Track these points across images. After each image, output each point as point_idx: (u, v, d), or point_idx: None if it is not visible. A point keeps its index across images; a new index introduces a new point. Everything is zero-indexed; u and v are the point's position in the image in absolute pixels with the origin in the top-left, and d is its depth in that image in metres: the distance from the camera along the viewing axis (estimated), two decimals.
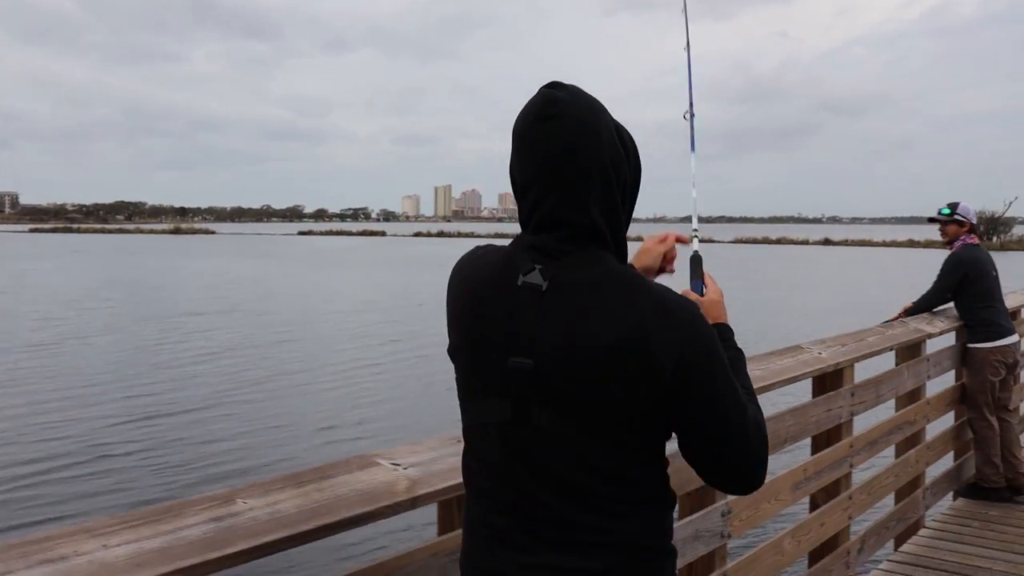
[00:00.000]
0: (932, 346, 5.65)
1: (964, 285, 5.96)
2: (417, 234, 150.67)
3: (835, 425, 4.25)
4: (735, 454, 1.60)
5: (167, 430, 12.57)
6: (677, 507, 2.13)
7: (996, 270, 6.09)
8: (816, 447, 4.24)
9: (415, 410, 13.99)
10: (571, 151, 1.58)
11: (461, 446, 2.26)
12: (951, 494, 6.13)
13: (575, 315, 1.55)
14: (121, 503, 9.18)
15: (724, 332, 1.85)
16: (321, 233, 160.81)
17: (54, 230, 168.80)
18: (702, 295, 1.91)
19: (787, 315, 25.98)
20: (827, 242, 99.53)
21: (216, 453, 11.38)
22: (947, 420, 6.11)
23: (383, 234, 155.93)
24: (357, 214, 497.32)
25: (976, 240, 6.13)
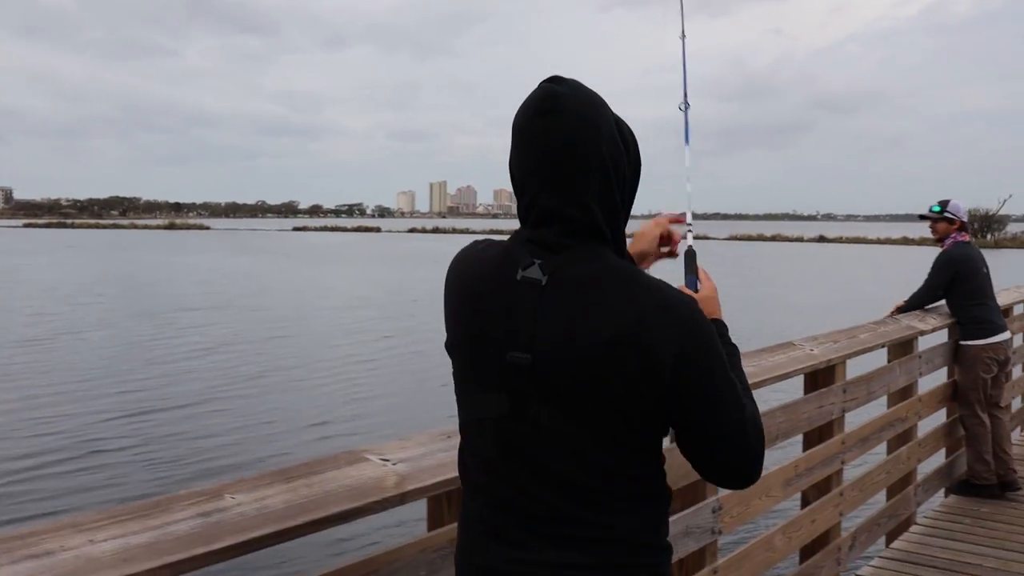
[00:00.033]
0: (924, 343, 5.66)
1: (955, 283, 5.97)
2: (412, 230, 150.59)
3: (827, 422, 4.26)
4: (734, 450, 1.60)
5: (160, 425, 12.55)
6: None
7: (987, 267, 6.10)
8: (808, 443, 4.25)
9: (408, 406, 13.98)
10: (571, 146, 1.57)
11: (451, 442, 2.27)
12: (943, 491, 6.15)
13: (575, 310, 1.54)
14: (113, 499, 9.17)
15: (719, 328, 1.84)
16: (316, 229, 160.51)
17: (48, 225, 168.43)
18: (696, 291, 1.90)
19: (781, 312, 26.01)
20: (822, 239, 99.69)
21: (209, 449, 11.36)
22: (939, 417, 6.12)
23: (378, 230, 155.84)
24: (352, 210, 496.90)
25: (967, 238, 6.14)
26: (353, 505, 1.91)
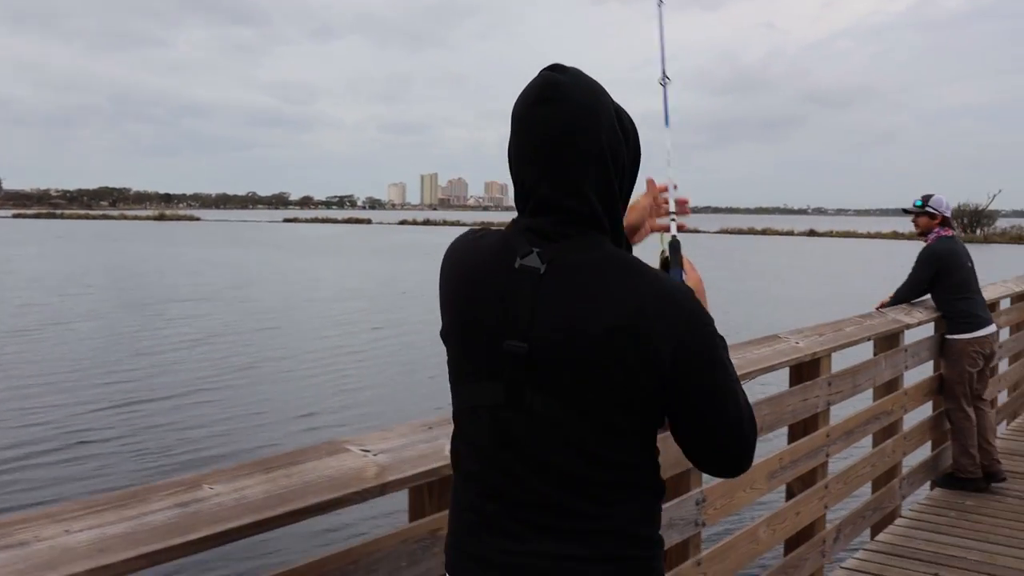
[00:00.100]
0: (910, 337, 5.68)
1: (940, 277, 5.99)
2: (403, 222, 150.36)
3: (812, 414, 4.27)
4: (730, 440, 1.60)
5: (147, 416, 12.52)
6: None
7: (972, 261, 6.12)
8: (792, 436, 4.26)
9: (396, 398, 13.98)
10: (570, 135, 1.56)
11: (432, 433, 2.27)
12: (928, 484, 6.17)
13: (573, 299, 1.53)
14: (98, 489, 9.14)
15: None
16: (306, 220, 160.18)
17: (37, 216, 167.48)
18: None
19: (770, 305, 26.06)
20: (812, 233, 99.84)
21: (195, 439, 11.34)
22: (925, 410, 6.14)
23: (369, 222, 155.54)
24: (343, 201, 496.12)
25: (951, 232, 6.15)
26: (333, 496, 1.91)
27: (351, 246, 68.30)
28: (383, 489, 2.02)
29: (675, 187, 2.02)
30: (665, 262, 1.91)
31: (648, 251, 1.91)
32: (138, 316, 23.69)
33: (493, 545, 1.62)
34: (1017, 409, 8.19)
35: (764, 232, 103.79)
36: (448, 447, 2.20)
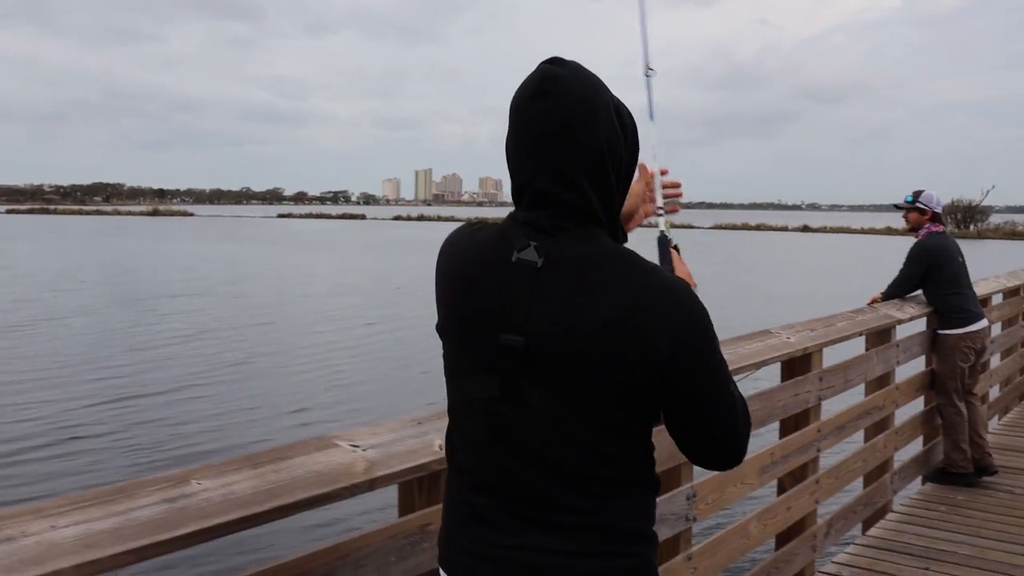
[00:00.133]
0: (902, 332, 5.69)
1: (931, 272, 6.00)
2: (397, 218, 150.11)
3: (803, 410, 4.27)
4: (725, 433, 1.61)
5: (139, 412, 12.50)
6: None
7: (963, 256, 6.13)
8: (784, 431, 4.26)
9: (389, 393, 13.97)
10: (567, 128, 1.55)
11: (421, 428, 2.27)
12: (920, 478, 6.19)
13: (571, 292, 1.53)
14: (90, 484, 9.12)
15: None
16: (300, 216, 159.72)
17: (31, 211, 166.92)
18: None
19: (763, 300, 26.09)
20: (806, 229, 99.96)
21: (188, 435, 11.33)
22: (916, 405, 6.15)
23: (363, 217, 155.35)
24: (337, 197, 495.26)
25: (941, 228, 6.16)
26: (321, 491, 1.90)
27: (345, 242, 68.21)
28: (372, 484, 2.02)
29: (665, 172, 2.02)
30: (663, 240, 1.91)
31: (645, 243, 1.91)
32: (131, 312, 23.65)
33: (485, 539, 1.62)
34: (1009, 404, 8.22)
35: (758, 228, 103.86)
36: (437, 442, 2.21)
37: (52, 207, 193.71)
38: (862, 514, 5.23)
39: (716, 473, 3.51)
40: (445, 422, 2.28)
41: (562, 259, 1.55)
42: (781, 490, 4.29)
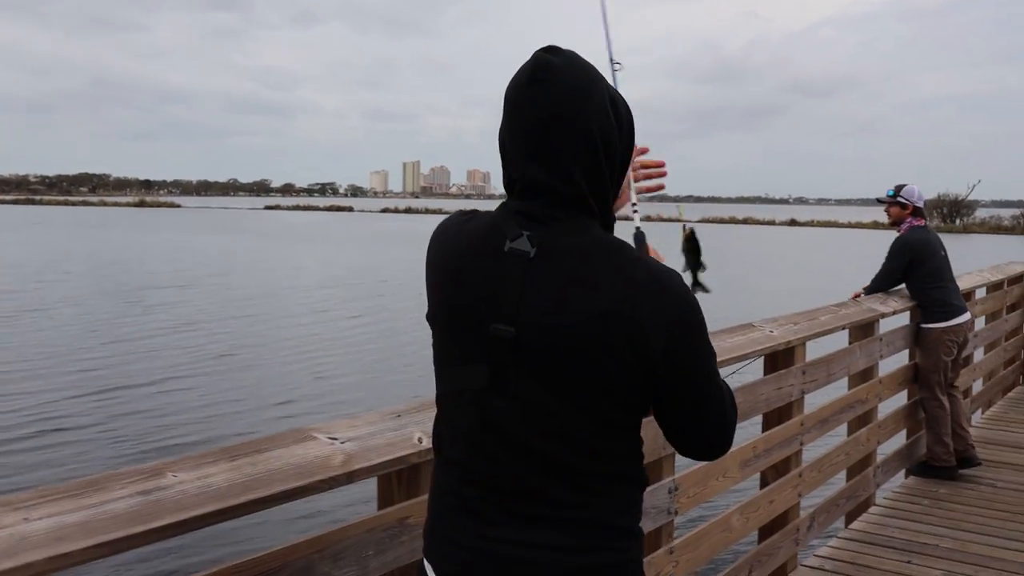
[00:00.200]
0: (885, 325, 5.70)
1: (913, 266, 6.02)
2: (385, 210, 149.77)
3: (786, 403, 4.28)
4: (714, 425, 1.61)
5: (123, 403, 12.45)
6: None
7: (945, 250, 6.16)
8: (767, 425, 4.27)
9: (374, 385, 13.94)
10: (559, 116, 1.54)
11: (401, 421, 2.26)
12: (903, 472, 6.21)
13: (563, 283, 1.52)
14: (72, 476, 9.06)
15: None
16: (288, 208, 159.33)
17: (16, 202, 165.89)
18: None
19: (748, 294, 26.14)
20: (793, 223, 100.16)
21: (171, 426, 11.29)
22: (899, 399, 6.17)
23: (351, 209, 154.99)
24: (324, 189, 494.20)
25: (922, 222, 6.18)
26: (298, 484, 1.90)
27: (333, 234, 68.08)
28: (350, 477, 2.01)
29: (646, 151, 2.01)
30: (639, 237, 1.90)
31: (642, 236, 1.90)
32: (117, 303, 23.55)
33: (470, 530, 1.61)
34: (992, 398, 8.26)
35: (745, 221, 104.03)
36: (417, 435, 2.20)
37: (38, 198, 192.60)
38: (845, 507, 5.25)
39: (698, 466, 3.52)
40: (425, 415, 2.28)
41: (555, 249, 1.54)
42: (764, 483, 4.30)
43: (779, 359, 4.25)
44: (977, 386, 7.74)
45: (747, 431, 4.42)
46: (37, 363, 15.19)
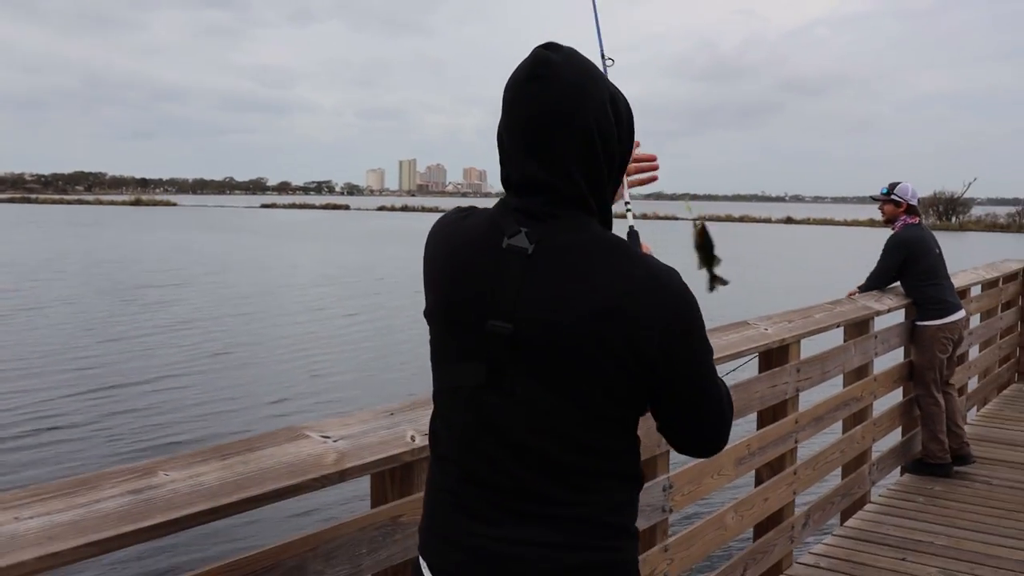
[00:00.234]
0: (880, 323, 5.70)
1: (907, 264, 6.03)
2: (381, 208, 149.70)
3: (780, 401, 4.28)
4: (712, 422, 1.61)
5: (118, 402, 12.45)
6: None
7: (940, 248, 6.17)
8: (761, 422, 4.27)
9: (369, 383, 13.94)
10: (557, 113, 1.53)
11: (393, 419, 2.25)
12: (898, 469, 6.21)
13: (562, 280, 1.51)
14: (67, 474, 9.05)
15: None
16: (284, 206, 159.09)
17: (11, 200, 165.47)
18: None
19: (744, 292, 26.15)
20: (789, 221, 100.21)
21: (166, 425, 11.29)
22: (895, 396, 6.17)
23: (347, 208, 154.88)
24: (321, 187, 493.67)
25: (917, 220, 6.19)
26: (290, 482, 1.89)
27: (329, 232, 68.03)
28: (342, 476, 2.00)
29: (637, 145, 2.01)
30: (633, 235, 1.90)
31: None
32: (112, 302, 23.52)
33: (465, 527, 1.60)
34: (987, 395, 8.26)
35: (741, 220, 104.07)
36: (410, 433, 2.19)
37: (33, 196, 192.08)
38: (840, 505, 5.25)
39: (692, 464, 3.52)
40: (418, 413, 2.27)
41: (553, 246, 1.53)
42: (758, 481, 4.30)
43: (774, 357, 4.25)
44: (972, 383, 7.75)
45: (742, 429, 4.43)
46: (32, 361, 15.18)
